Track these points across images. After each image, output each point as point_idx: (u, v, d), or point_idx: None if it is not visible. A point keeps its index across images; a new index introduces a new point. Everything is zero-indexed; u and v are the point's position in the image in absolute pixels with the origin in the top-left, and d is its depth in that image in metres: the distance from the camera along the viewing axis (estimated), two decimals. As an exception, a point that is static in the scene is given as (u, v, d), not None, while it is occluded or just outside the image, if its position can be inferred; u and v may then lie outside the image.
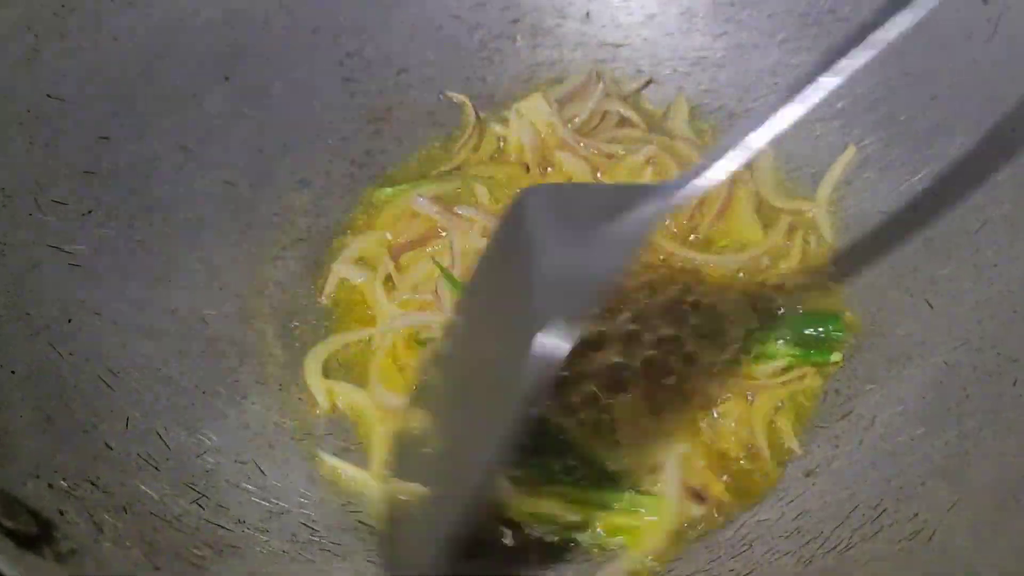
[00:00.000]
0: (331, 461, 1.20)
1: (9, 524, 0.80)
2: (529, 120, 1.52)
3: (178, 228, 1.34)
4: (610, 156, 1.50)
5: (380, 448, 1.20)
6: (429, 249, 1.39)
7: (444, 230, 1.41)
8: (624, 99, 1.60)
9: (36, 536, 0.82)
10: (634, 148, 1.50)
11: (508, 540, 1.11)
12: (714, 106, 1.59)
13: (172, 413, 1.15)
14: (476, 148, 1.57)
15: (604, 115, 1.58)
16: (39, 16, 1.26)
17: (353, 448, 1.24)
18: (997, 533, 0.88)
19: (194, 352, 1.25)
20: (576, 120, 1.56)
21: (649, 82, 1.63)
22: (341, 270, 1.41)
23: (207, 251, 1.36)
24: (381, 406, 1.24)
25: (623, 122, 1.57)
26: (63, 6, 1.29)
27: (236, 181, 1.43)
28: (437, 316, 1.29)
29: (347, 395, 1.27)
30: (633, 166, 1.48)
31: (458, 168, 1.55)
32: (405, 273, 1.38)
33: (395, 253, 1.40)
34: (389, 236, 1.44)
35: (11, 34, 1.23)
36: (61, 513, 0.90)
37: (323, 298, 1.40)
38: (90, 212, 1.25)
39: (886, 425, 1.15)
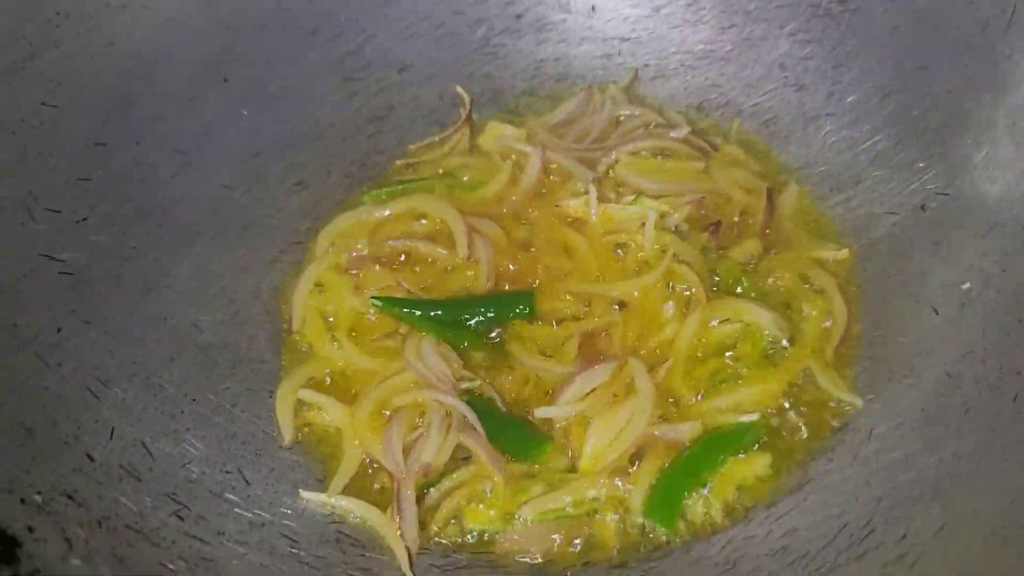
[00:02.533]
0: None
1: (-35, 547, 0.80)
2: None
3: (173, 234, 1.34)
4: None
5: (348, 467, 1.19)
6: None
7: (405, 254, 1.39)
8: (629, 98, 1.56)
9: (-5, 557, 0.82)
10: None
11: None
12: (721, 101, 1.55)
13: (159, 422, 1.16)
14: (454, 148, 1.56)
15: (617, 121, 1.55)
16: (33, 24, 1.26)
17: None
18: (978, 566, 0.84)
19: (185, 360, 1.25)
20: (590, 136, 1.53)
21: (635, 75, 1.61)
22: (301, 301, 1.35)
23: (202, 256, 1.35)
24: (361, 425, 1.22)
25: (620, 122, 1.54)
26: (57, 13, 1.29)
27: (232, 185, 1.43)
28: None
29: (329, 411, 1.25)
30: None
31: (430, 164, 1.54)
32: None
33: (350, 265, 1.38)
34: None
35: (5, 42, 1.23)
36: (30, 530, 0.90)
37: (295, 332, 1.34)
38: (84, 219, 1.25)
39: (883, 439, 1.11)
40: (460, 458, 1.18)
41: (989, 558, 0.85)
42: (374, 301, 1.31)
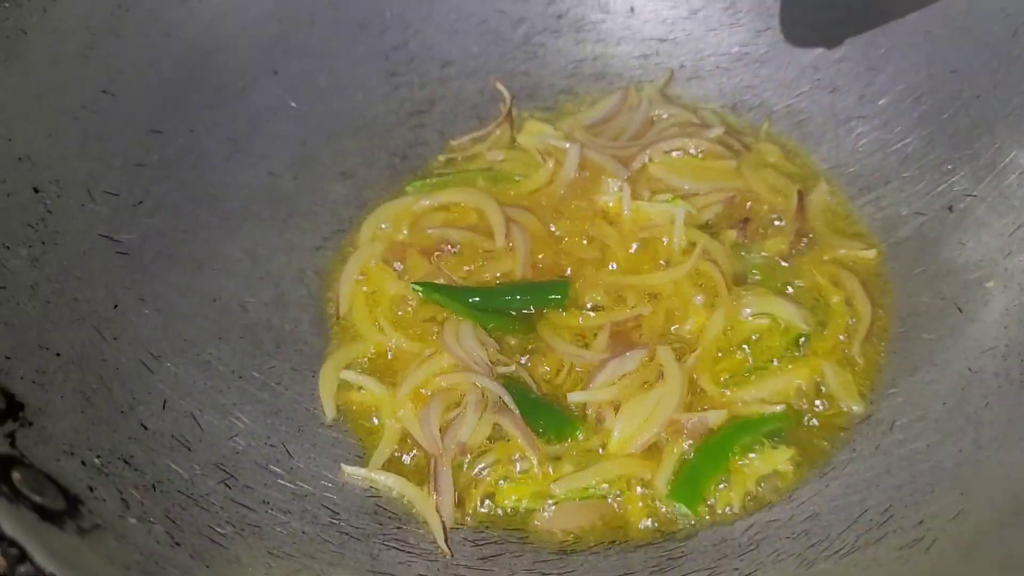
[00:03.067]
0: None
1: (36, 499, 0.86)
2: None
3: (223, 218, 1.40)
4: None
5: (387, 444, 1.25)
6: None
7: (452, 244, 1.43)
8: (665, 98, 1.60)
9: (61, 511, 0.88)
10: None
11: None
12: (755, 102, 1.58)
13: (208, 396, 1.21)
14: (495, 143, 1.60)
15: (652, 120, 1.60)
16: (96, 14, 1.32)
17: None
18: (991, 548, 0.87)
19: (232, 338, 1.31)
20: (626, 134, 1.57)
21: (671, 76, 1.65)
22: (349, 287, 1.41)
23: (250, 240, 1.41)
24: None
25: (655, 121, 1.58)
26: (119, 5, 1.35)
27: (280, 172, 1.49)
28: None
29: (369, 389, 1.30)
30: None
31: (471, 158, 1.59)
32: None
33: (393, 252, 1.43)
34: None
35: (69, 31, 1.29)
36: (91, 489, 0.96)
37: (342, 317, 1.39)
38: (140, 203, 1.31)
39: (905, 431, 1.14)
40: (496, 439, 1.23)
41: (1002, 541, 0.88)
42: (415, 287, 1.36)
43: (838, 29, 1.48)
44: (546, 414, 1.23)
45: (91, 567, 0.83)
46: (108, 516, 0.94)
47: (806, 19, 1.52)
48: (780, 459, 1.19)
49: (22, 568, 0.78)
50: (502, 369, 1.27)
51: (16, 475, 0.88)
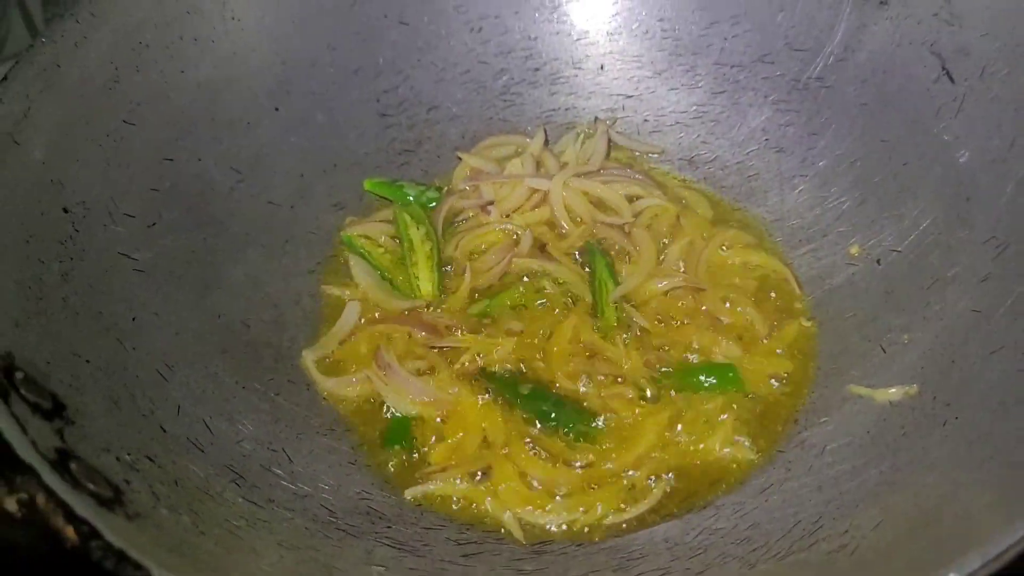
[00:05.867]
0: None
1: (91, 487, 0.98)
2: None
3: (227, 242, 1.53)
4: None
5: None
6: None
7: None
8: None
9: (111, 499, 0.99)
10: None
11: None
12: (709, 157, 1.77)
13: (216, 404, 1.33)
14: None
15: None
16: (120, 51, 1.44)
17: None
18: (904, 552, 1.04)
19: (236, 353, 1.43)
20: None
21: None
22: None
23: (251, 264, 1.54)
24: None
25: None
26: (140, 42, 1.47)
27: (279, 202, 1.62)
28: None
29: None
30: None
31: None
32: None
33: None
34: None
35: (97, 67, 1.41)
36: (127, 482, 1.07)
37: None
38: (153, 224, 1.43)
39: (834, 454, 1.32)
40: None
41: (914, 546, 1.05)
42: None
43: None
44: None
45: (145, 547, 0.95)
46: (144, 507, 1.05)
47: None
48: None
49: (92, 543, 0.89)
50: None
51: (73, 465, 0.99)
